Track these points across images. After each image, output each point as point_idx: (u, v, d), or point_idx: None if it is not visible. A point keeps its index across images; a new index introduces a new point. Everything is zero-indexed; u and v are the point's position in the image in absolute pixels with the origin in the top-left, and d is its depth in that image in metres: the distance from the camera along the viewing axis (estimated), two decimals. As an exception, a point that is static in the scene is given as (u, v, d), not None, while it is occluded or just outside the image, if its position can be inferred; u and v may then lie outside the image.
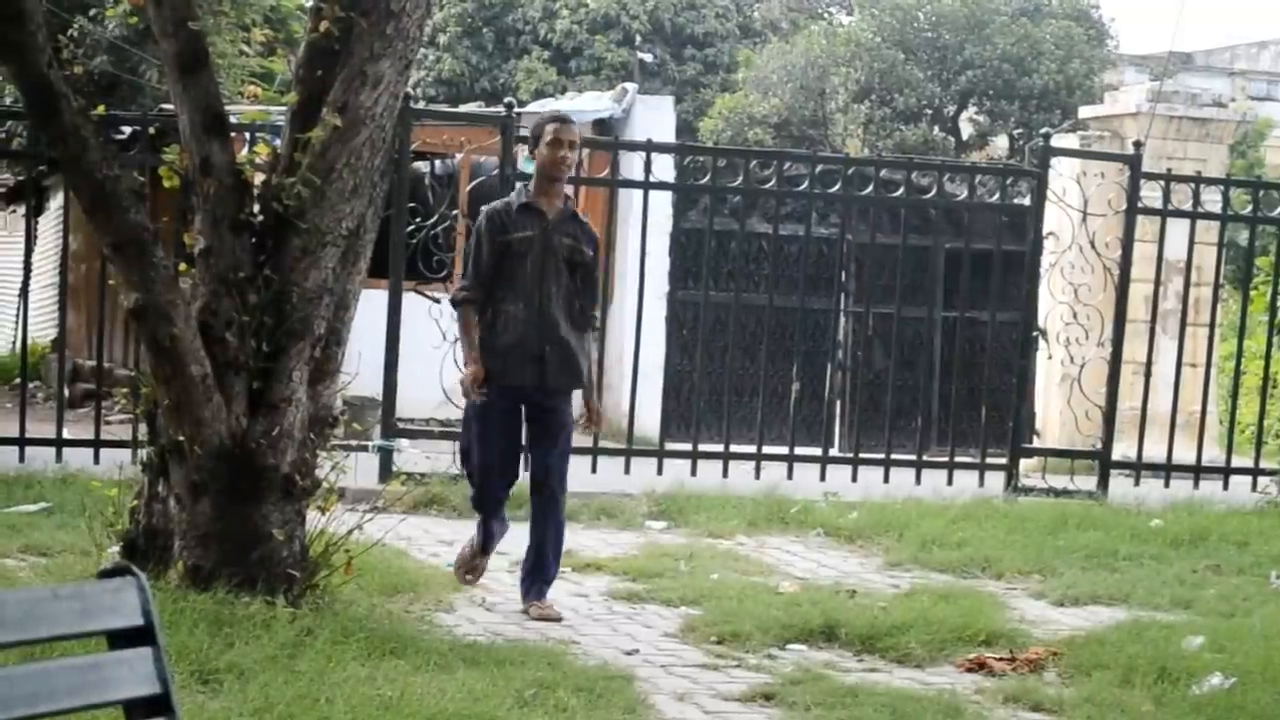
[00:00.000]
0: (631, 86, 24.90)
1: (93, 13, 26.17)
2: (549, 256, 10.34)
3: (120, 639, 3.50)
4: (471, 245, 10.74)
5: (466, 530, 13.24)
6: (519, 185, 11.30)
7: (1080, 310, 17.18)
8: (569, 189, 16.26)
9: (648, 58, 41.32)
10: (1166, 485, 16.77)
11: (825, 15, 45.74)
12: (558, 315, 10.37)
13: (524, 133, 16.42)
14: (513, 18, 42.15)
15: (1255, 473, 17.43)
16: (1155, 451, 16.93)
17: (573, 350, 10.48)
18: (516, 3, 42.19)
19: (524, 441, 10.82)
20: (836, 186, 16.42)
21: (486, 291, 10.40)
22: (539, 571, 10.54)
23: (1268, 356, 18.15)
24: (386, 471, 14.61)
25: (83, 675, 3.50)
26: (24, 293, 17.93)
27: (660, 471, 15.52)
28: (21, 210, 23.23)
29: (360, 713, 7.16)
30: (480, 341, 10.39)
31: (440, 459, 14.92)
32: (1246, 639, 10.08)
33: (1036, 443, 18.01)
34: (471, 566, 11.02)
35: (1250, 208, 18.00)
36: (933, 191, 17.45)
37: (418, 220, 15.68)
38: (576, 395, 11.12)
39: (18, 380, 16.98)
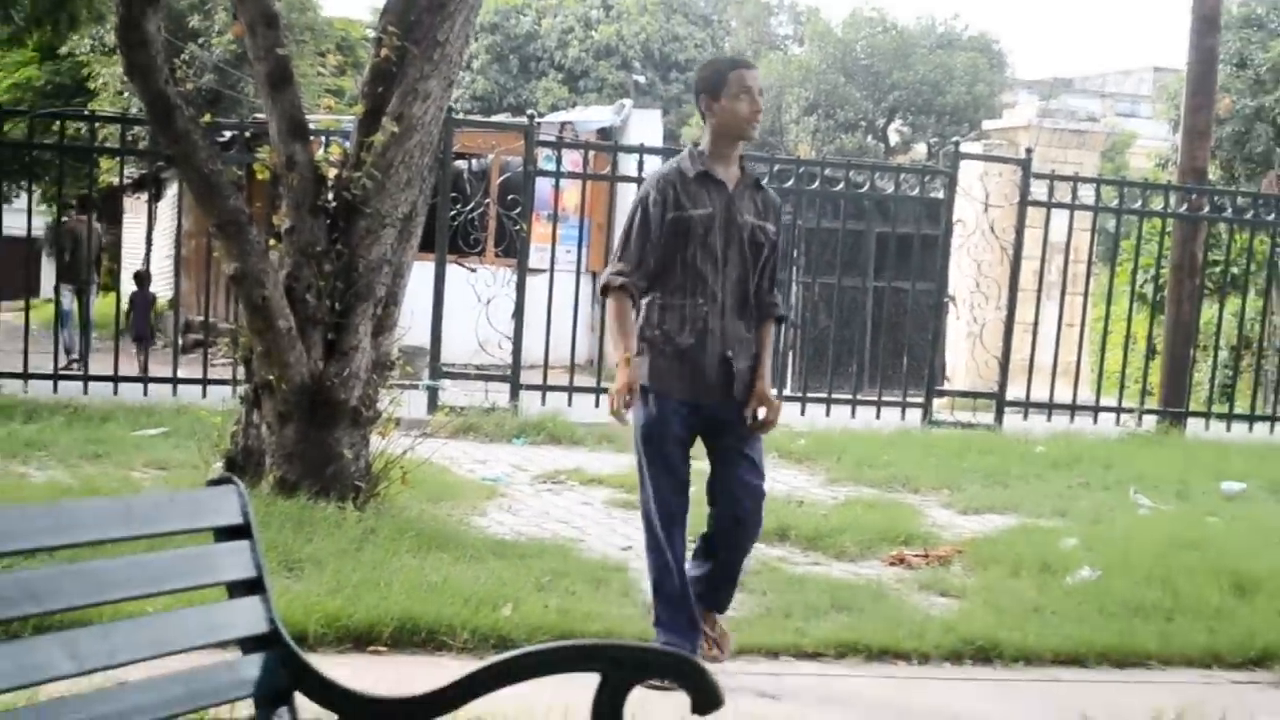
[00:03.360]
0: (628, 102, 24.87)
1: (201, 40, 26.12)
2: (731, 237, 6.76)
3: (224, 534, 3.52)
4: (634, 220, 6.84)
5: (498, 452, 13.29)
6: (689, 147, 7.07)
7: (982, 281, 17.21)
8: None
9: (641, 79, 41.22)
10: (1048, 419, 16.80)
11: (781, 46, 45.57)
12: (740, 309, 6.81)
13: (544, 137, 16.48)
14: (533, 47, 42.05)
15: (1118, 410, 17.50)
16: (1040, 393, 16.96)
17: (753, 352, 6.87)
18: (536, 34, 42.10)
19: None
20: (790, 182, 16.39)
21: (650, 278, 6.78)
22: (713, 585, 6.99)
23: (1129, 319, 18.20)
24: (433, 405, 14.63)
25: (195, 562, 3.52)
26: (147, 262, 17.87)
27: (649, 406, 15.49)
28: (145, 197, 23.18)
29: (412, 594, 7.17)
30: (643, 340, 6.79)
31: (475, 395, 14.97)
32: (1109, 541, 10.09)
33: (947, 385, 17.97)
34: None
35: (1116, 201, 18.00)
36: (866, 187, 17.40)
37: (458, 207, 15.69)
38: None
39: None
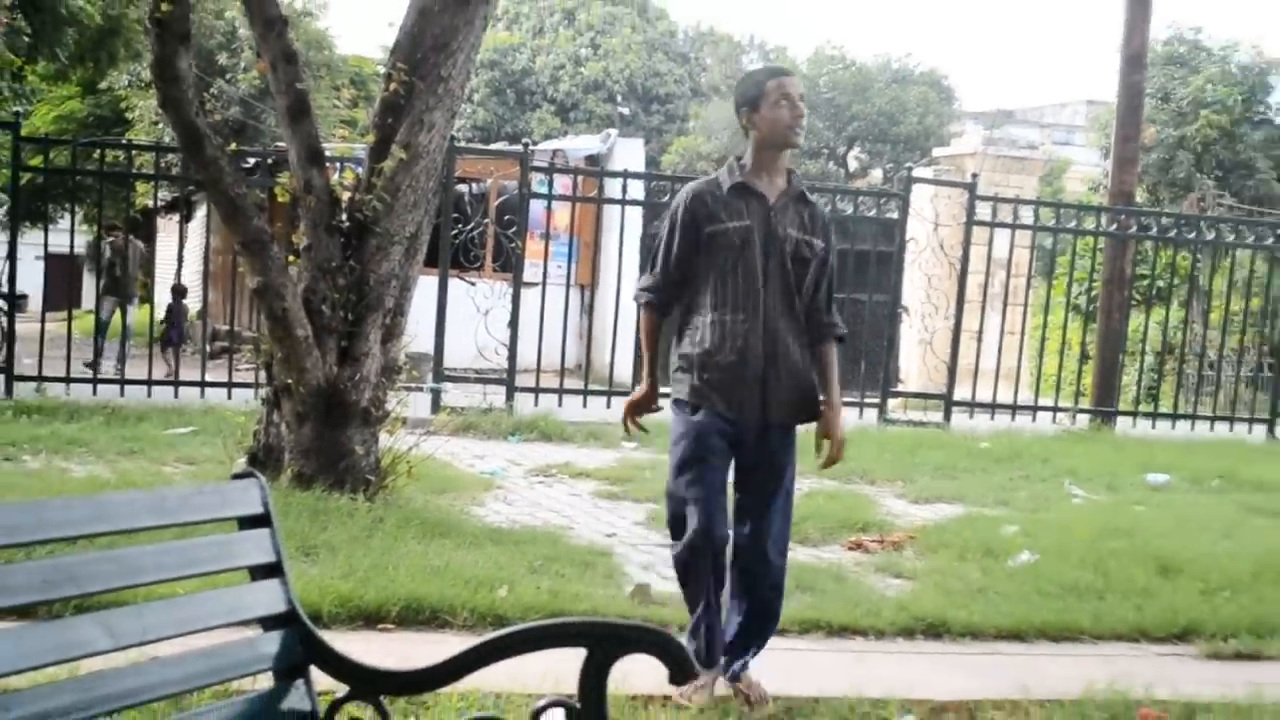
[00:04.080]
0: (613, 131, 24.85)
1: (228, 76, 26.09)
2: (771, 251, 5.92)
3: (246, 523, 3.51)
4: (664, 232, 6.12)
5: (495, 448, 13.29)
6: (730, 160, 6.18)
7: (932, 293, 17.26)
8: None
9: (625, 111, 41.24)
10: (992, 418, 16.84)
11: (739, 84, 45.55)
12: (782, 326, 5.92)
13: (537, 163, 16.49)
14: (528, 82, 42.03)
15: (1054, 410, 17.56)
16: (984, 394, 16.99)
17: (800, 371, 5.97)
18: (531, 70, 42.09)
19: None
20: (759, 204, 16.39)
21: (675, 292, 6.09)
22: (742, 640, 6.05)
23: (1064, 327, 18.25)
24: (436, 406, 14.63)
25: (220, 548, 3.51)
26: (178, 277, 17.86)
27: (632, 407, 15.50)
28: (177, 218, 23.16)
29: (417, 577, 7.16)
30: (682, 357, 6.04)
31: (474, 397, 14.99)
32: (1047, 527, 10.11)
33: (900, 388, 18.02)
34: (698, 687, 5.80)
35: (1053, 221, 18.05)
36: (828, 208, 17.44)
37: (459, 226, 15.70)
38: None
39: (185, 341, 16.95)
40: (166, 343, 20.14)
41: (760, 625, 6.06)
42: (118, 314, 20.46)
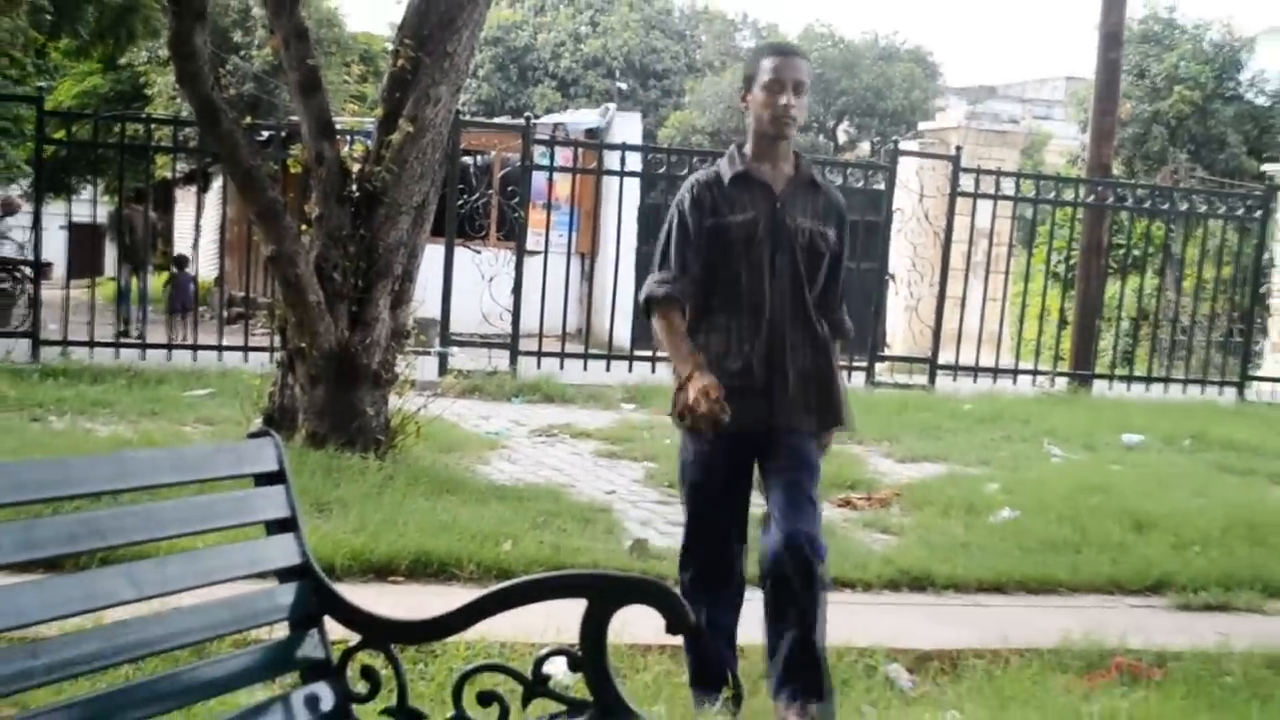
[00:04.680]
0: (612, 106, 24.76)
1: (242, 53, 26.00)
2: (781, 246, 5.06)
3: (262, 480, 3.52)
4: (670, 226, 5.17)
5: (500, 410, 13.30)
6: (731, 148, 5.27)
7: (917, 261, 17.27)
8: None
9: (623, 86, 41.08)
10: (974, 381, 16.84)
11: (744, 59, 45.47)
12: (791, 327, 5.08)
13: (539, 137, 16.46)
14: (530, 58, 41.88)
15: (1034, 373, 17.56)
16: (967, 358, 16.98)
17: (813, 374, 5.11)
18: (533, 47, 41.95)
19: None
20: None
21: (687, 286, 5.08)
22: (791, 672, 4.97)
23: (1044, 294, 18.22)
24: (443, 369, 14.64)
25: (238, 503, 3.52)
26: (195, 246, 17.83)
27: (630, 370, 15.53)
28: (194, 189, 23.10)
29: (425, 531, 7.17)
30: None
31: (479, 360, 15.00)
32: (1027, 485, 10.14)
33: (887, 352, 18.00)
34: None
35: (1034, 193, 18.05)
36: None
37: (464, 196, 15.69)
38: None
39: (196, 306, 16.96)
40: (172, 309, 20.15)
41: (805, 652, 4.96)
42: (135, 280, 20.48)
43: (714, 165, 5.26)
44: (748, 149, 5.16)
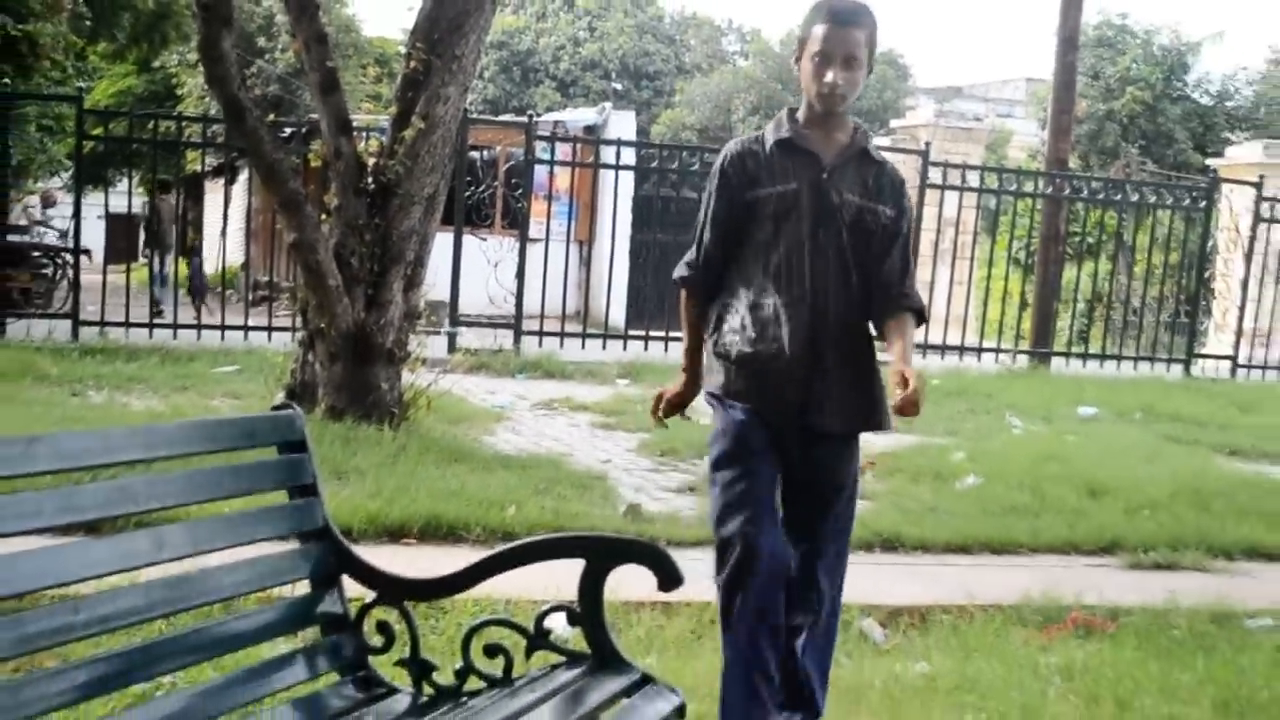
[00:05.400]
0: (608, 105, 24.71)
1: (267, 56, 25.95)
2: (824, 221, 4.17)
3: (286, 449, 3.52)
4: (706, 203, 4.37)
5: (504, 385, 13.29)
6: (781, 112, 4.41)
7: (890, 248, 17.24)
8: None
9: (618, 86, 41.06)
10: (942, 358, 16.82)
11: (730, 60, 45.33)
12: (835, 312, 4.18)
13: (541, 133, 16.41)
14: (532, 60, 41.87)
15: (997, 351, 17.55)
16: (935, 337, 16.98)
17: (857, 366, 4.27)
18: (535, 51, 41.92)
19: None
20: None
21: (716, 270, 4.33)
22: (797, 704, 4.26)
23: (1006, 278, 18.18)
24: (452, 347, 14.62)
25: (262, 471, 3.52)
26: (223, 234, 17.79)
27: (625, 348, 15.53)
28: (222, 181, 23.05)
29: (436, 497, 7.16)
30: (716, 346, 4.26)
31: (485, 339, 15.01)
32: (990, 454, 10.14)
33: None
34: None
35: (997, 185, 18.04)
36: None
37: (472, 188, 15.68)
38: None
39: (220, 289, 16.94)
40: (191, 293, 20.20)
41: (805, 682, 4.29)
42: (161, 265, 20.54)
43: (759, 131, 4.42)
44: (800, 114, 4.32)
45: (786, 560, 4.19)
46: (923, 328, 4.39)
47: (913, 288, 4.33)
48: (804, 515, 4.27)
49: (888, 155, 4.50)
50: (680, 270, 4.42)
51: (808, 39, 4.20)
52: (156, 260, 20.51)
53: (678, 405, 4.48)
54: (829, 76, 4.14)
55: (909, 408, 4.11)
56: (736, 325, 4.20)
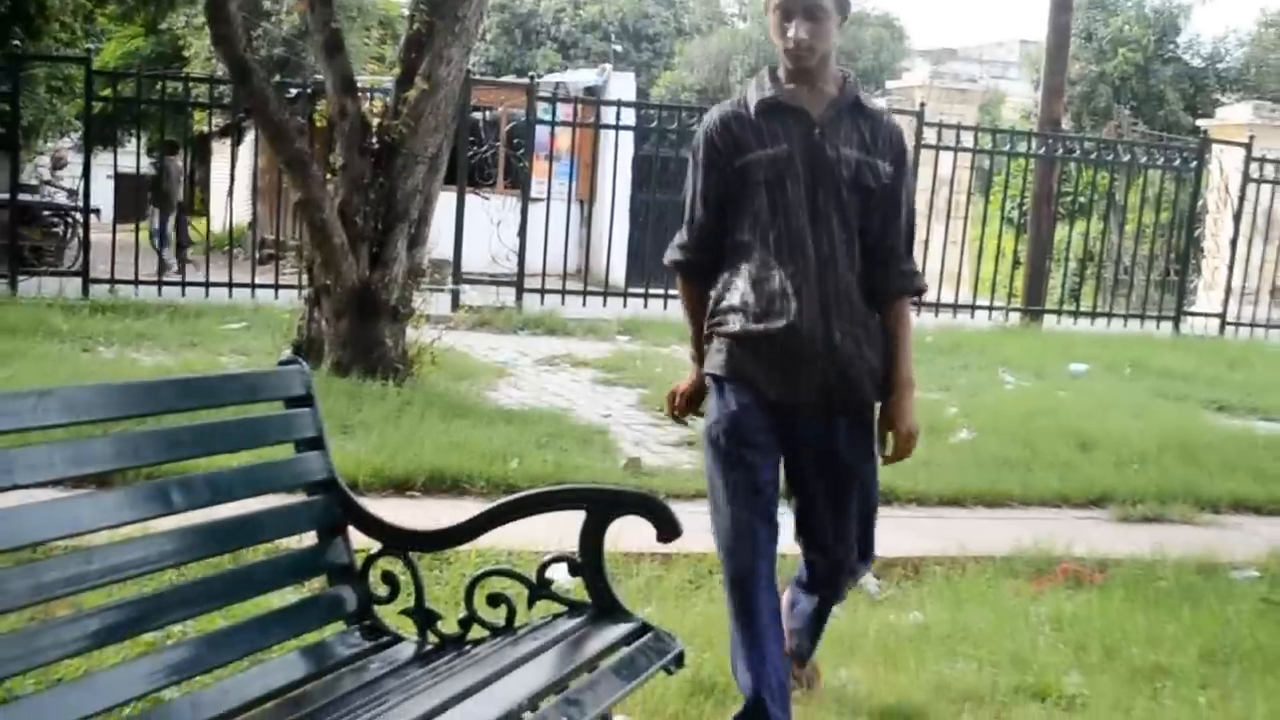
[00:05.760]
0: (608, 66, 24.60)
1: (272, 17, 25.83)
2: (821, 181, 3.77)
3: (292, 403, 3.52)
4: (690, 176, 3.98)
5: (506, 341, 13.29)
6: (762, 70, 3.95)
7: (885, 208, 17.18)
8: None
9: (618, 48, 40.88)
10: (936, 316, 16.78)
11: (729, 22, 45.18)
12: (841, 278, 3.79)
13: (542, 94, 16.34)
14: (534, 22, 41.69)
15: (990, 308, 17.52)
16: (930, 295, 16.96)
17: (869, 333, 3.85)
18: (536, 13, 41.76)
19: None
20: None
21: (712, 248, 3.95)
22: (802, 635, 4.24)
23: (999, 237, 18.17)
24: (455, 304, 14.60)
25: (271, 425, 3.53)
26: (230, 193, 17.75)
27: (625, 305, 15.52)
28: (229, 141, 22.97)
29: (439, 451, 7.17)
30: (714, 323, 3.90)
31: (488, 296, 15.00)
32: (983, 409, 10.14)
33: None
34: None
35: (991, 145, 17.98)
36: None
37: (474, 148, 15.64)
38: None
39: (227, 247, 16.91)
40: (177, 246, 20.18)
41: (824, 610, 4.26)
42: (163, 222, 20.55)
43: (739, 97, 3.99)
44: (781, 71, 3.90)
45: (765, 564, 3.84)
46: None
47: (913, 261, 4.02)
48: (821, 504, 3.96)
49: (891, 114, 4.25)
50: (672, 254, 4.07)
51: None
52: (157, 218, 20.51)
53: (694, 400, 4.12)
54: (791, 31, 3.77)
55: (898, 459, 4.00)
56: (737, 302, 3.83)
